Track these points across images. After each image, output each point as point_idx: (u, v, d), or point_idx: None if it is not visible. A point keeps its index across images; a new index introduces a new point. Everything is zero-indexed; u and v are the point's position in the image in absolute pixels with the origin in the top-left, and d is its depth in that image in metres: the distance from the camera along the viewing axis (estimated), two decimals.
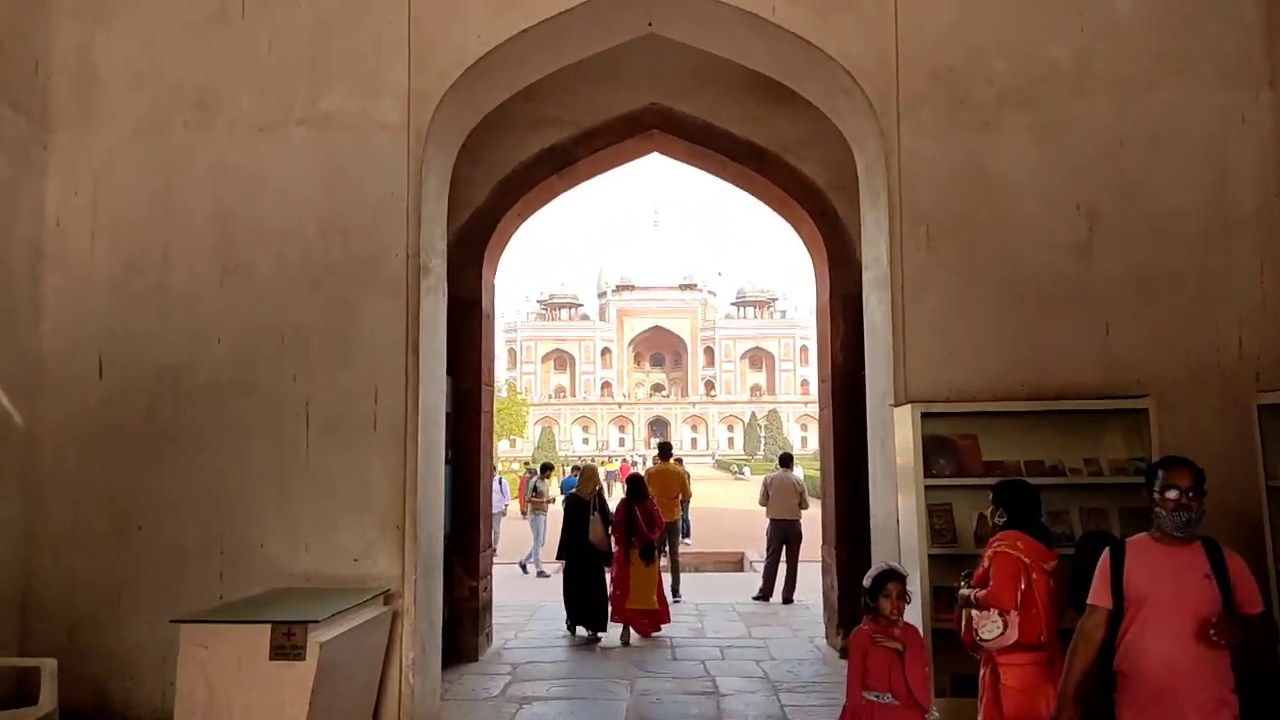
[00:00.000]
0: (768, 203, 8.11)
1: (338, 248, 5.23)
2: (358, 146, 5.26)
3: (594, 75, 7.29)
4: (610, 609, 8.34)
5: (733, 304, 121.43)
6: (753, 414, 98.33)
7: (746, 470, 58.71)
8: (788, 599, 9.94)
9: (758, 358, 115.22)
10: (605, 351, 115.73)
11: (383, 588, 4.96)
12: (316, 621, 3.87)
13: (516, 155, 7.54)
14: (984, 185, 5.17)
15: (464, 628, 7.25)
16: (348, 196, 5.26)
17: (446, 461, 7.04)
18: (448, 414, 7.09)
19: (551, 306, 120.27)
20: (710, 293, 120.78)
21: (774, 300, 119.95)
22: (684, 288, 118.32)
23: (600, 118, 7.60)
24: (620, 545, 8.63)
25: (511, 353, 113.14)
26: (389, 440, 5.11)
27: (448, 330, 7.09)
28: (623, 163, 8.20)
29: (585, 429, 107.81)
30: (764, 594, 10.10)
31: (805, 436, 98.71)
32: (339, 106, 5.28)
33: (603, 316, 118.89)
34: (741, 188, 8.14)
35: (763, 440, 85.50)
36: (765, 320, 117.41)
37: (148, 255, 5.26)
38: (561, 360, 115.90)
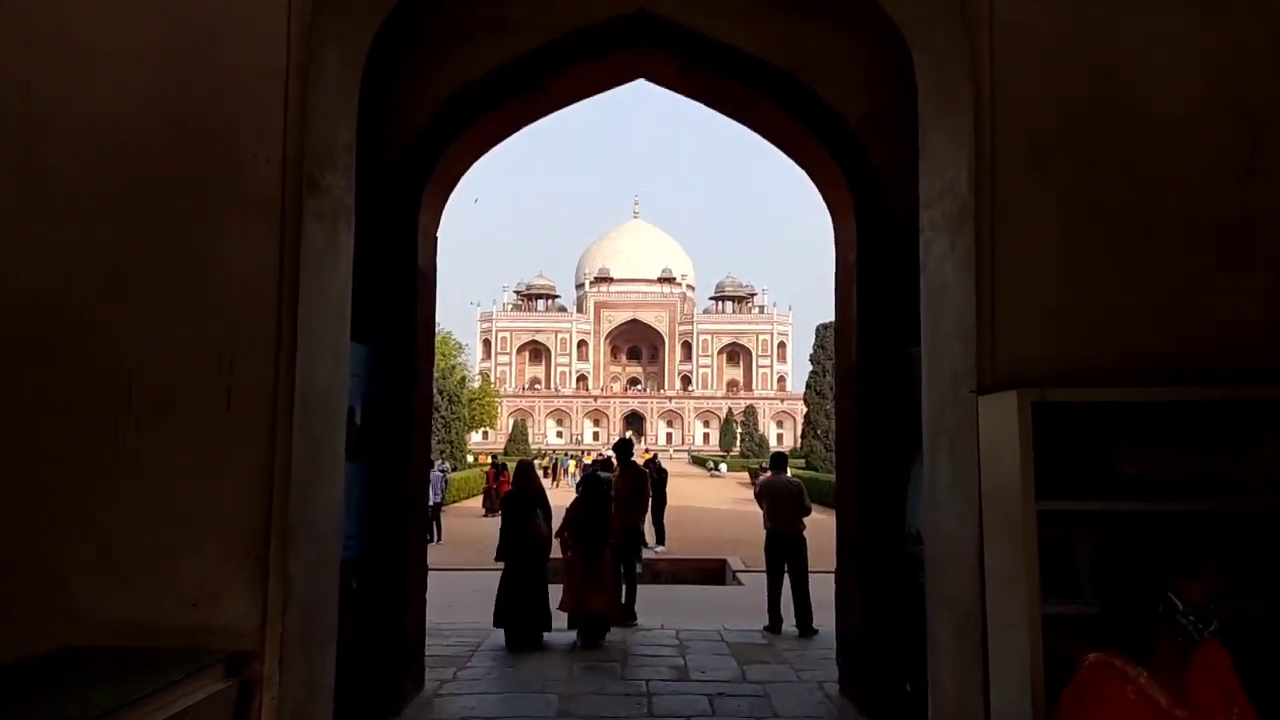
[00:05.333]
0: (778, 141, 6.57)
1: (183, 144, 3.60)
2: None
3: None
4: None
5: (711, 298, 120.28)
6: (729, 410, 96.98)
7: (722, 466, 57.50)
8: (806, 631, 8.37)
9: (735, 353, 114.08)
10: (582, 344, 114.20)
11: (228, 649, 3.35)
12: None
13: (468, 69, 5.93)
14: (1111, 77, 3.64)
15: (382, 671, 5.65)
16: (200, 71, 3.63)
17: (358, 457, 5.46)
18: (364, 394, 5.50)
19: (528, 297, 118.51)
20: (689, 286, 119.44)
21: (753, 295, 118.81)
22: (663, 280, 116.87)
23: (575, 24, 6.00)
24: (572, 547, 8.38)
25: (486, 343, 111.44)
26: (249, 426, 3.50)
27: (370, 287, 5.50)
28: (602, 88, 6.63)
29: (560, 422, 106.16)
30: (774, 625, 8.54)
31: (781, 434, 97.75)
32: None
33: (580, 308, 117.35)
34: (745, 122, 6.59)
35: (739, 436, 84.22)
36: (744, 315, 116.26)
37: None
38: (537, 352, 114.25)
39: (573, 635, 8.21)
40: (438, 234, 6.39)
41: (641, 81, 6.72)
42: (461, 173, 6.46)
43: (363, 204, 5.30)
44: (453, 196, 6.63)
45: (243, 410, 3.50)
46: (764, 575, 10.41)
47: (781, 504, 8.94)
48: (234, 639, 3.42)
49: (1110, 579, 1.95)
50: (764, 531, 9.21)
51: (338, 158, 4.01)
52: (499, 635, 8.05)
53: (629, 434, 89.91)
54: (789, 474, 9.99)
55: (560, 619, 8.34)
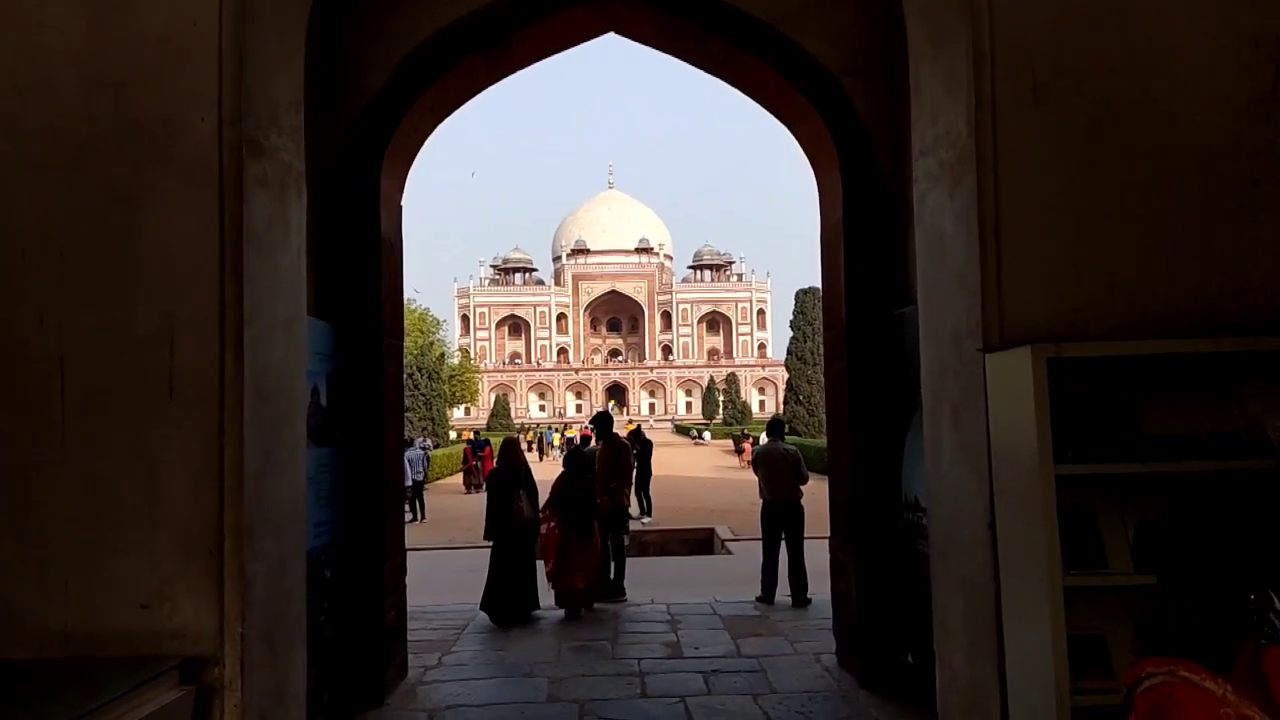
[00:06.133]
0: (757, 96, 6.26)
1: (108, 109, 3.27)
2: None
3: None
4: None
5: (690, 267, 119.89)
6: (711, 378, 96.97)
7: (706, 434, 57.51)
8: (800, 601, 8.18)
9: (715, 321, 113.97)
10: (561, 317, 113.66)
11: (183, 654, 3.09)
12: None
13: (424, 26, 5.58)
14: (1119, 11, 3.37)
15: (361, 662, 5.40)
16: (123, 29, 3.29)
17: (326, 440, 5.19)
18: (329, 374, 5.21)
19: (505, 271, 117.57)
20: (667, 256, 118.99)
21: (731, 263, 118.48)
22: (640, 251, 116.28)
23: None
24: (559, 523, 8.21)
25: (465, 319, 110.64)
26: (194, 413, 3.20)
27: (331, 259, 5.22)
28: (570, 43, 6.28)
29: (542, 396, 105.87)
30: (767, 596, 8.36)
31: (763, 400, 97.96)
32: None
33: (558, 281, 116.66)
34: (724, 77, 6.27)
35: (721, 404, 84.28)
36: (723, 283, 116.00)
37: None
38: (516, 326, 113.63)
39: (560, 612, 8.05)
40: (402, 201, 6.06)
41: (611, 47, 6.47)
42: (425, 135, 6.12)
43: (318, 171, 5.00)
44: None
45: (187, 395, 3.20)
46: (753, 543, 10.25)
47: (778, 472, 8.69)
48: (189, 643, 3.16)
49: (1189, 562, 1.56)
50: (759, 500, 8.98)
51: (282, 118, 3.68)
52: (484, 617, 7.83)
53: (611, 404, 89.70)
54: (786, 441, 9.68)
55: (547, 596, 8.19)
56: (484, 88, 6.17)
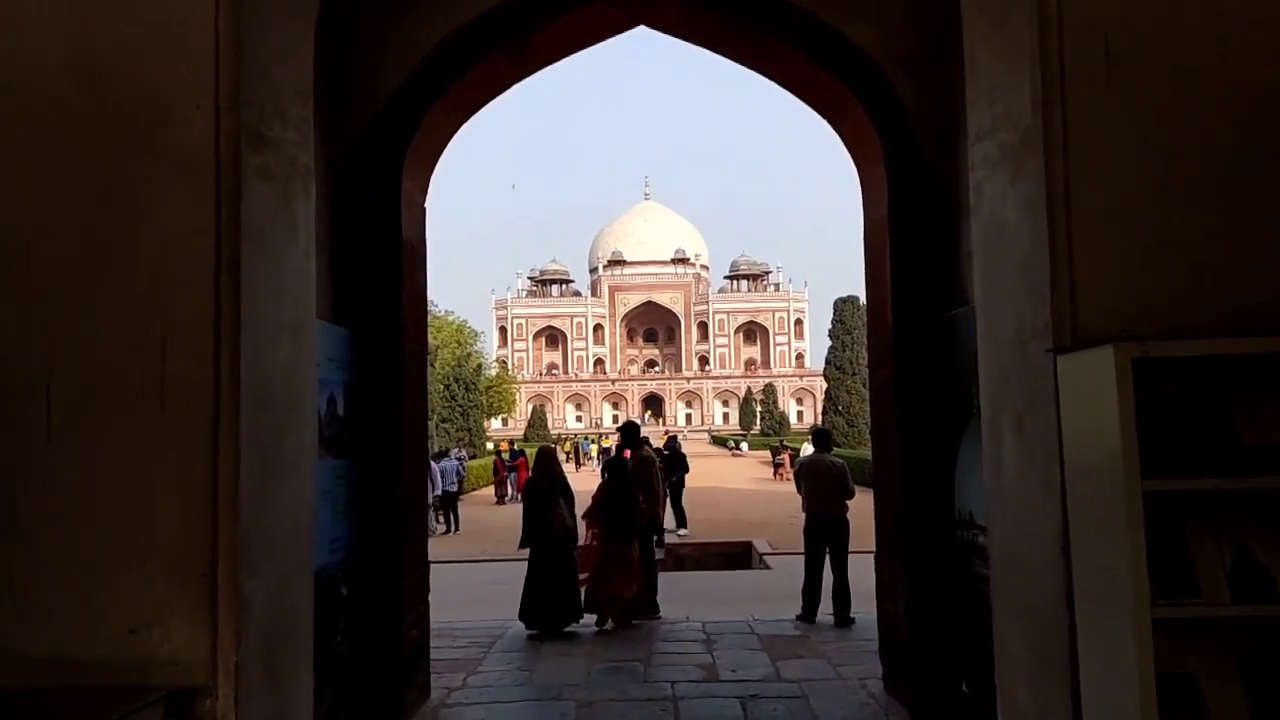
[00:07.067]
0: (793, 87, 5.96)
1: (94, 99, 3.05)
2: None
3: None
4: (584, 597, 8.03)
5: (726, 277, 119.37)
6: (748, 388, 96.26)
7: (744, 445, 56.97)
8: (842, 621, 7.81)
9: (752, 331, 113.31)
10: (598, 328, 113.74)
11: (172, 684, 2.84)
12: None
13: (445, 21, 5.35)
14: None
15: (380, 684, 5.15)
16: (110, 15, 3.08)
17: (343, 452, 4.96)
18: (347, 382, 4.99)
19: (542, 282, 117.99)
20: (703, 266, 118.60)
21: (767, 273, 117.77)
22: (676, 261, 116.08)
23: None
24: (597, 529, 8.12)
25: (502, 330, 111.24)
26: (188, 424, 2.96)
27: (352, 263, 5.00)
28: (596, 38, 6.03)
29: (578, 406, 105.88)
30: (808, 615, 8.00)
31: (801, 411, 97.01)
32: None
33: (595, 292, 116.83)
34: (760, 70, 5.97)
35: (758, 415, 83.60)
36: (759, 293, 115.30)
37: None
38: (553, 337, 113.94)
39: (593, 626, 7.80)
40: (426, 204, 5.84)
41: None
42: (449, 135, 5.89)
43: (335, 168, 4.79)
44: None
45: (180, 405, 2.96)
46: (793, 558, 9.90)
47: (823, 485, 8.32)
48: (181, 672, 2.91)
49: None
50: (799, 513, 8.61)
51: (288, 108, 3.44)
52: (513, 633, 7.57)
53: (647, 415, 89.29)
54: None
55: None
56: (509, 85, 5.94)
